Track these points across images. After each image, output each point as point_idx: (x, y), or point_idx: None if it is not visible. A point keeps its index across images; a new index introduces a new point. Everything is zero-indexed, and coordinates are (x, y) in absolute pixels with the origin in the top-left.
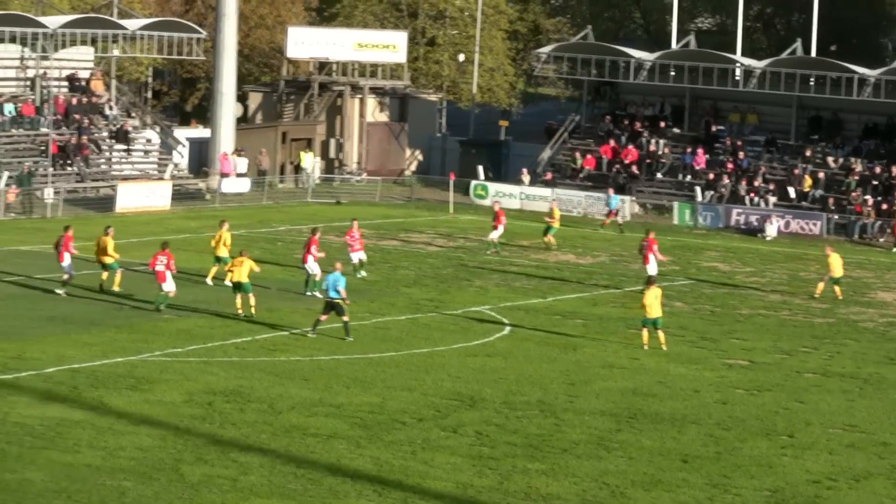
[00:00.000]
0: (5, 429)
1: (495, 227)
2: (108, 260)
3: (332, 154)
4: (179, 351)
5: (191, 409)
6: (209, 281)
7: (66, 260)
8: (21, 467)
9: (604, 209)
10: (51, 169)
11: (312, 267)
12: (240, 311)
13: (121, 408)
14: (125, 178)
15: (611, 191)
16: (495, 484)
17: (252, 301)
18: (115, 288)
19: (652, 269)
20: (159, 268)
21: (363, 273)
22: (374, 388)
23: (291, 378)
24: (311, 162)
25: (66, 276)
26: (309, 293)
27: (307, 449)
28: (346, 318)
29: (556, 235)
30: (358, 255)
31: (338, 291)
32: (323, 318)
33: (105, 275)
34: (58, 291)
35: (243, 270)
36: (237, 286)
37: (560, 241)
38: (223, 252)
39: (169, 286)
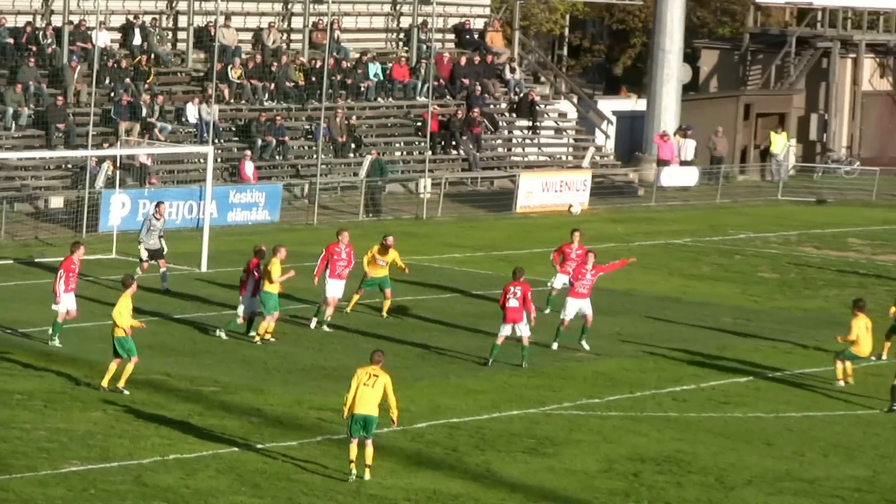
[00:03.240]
0: (359, 502)
1: None
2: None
3: (812, 135)
4: (597, 402)
5: (610, 481)
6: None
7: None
8: None
9: None
10: (429, 153)
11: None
12: None
13: (515, 478)
14: (529, 167)
15: None
16: None
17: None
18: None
19: None
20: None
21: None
22: (862, 456)
23: (749, 441)
24: (783, 146)
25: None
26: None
27: None
28: None
29: None
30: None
31: None
32: None
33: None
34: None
35: None
36: None
37: None
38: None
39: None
